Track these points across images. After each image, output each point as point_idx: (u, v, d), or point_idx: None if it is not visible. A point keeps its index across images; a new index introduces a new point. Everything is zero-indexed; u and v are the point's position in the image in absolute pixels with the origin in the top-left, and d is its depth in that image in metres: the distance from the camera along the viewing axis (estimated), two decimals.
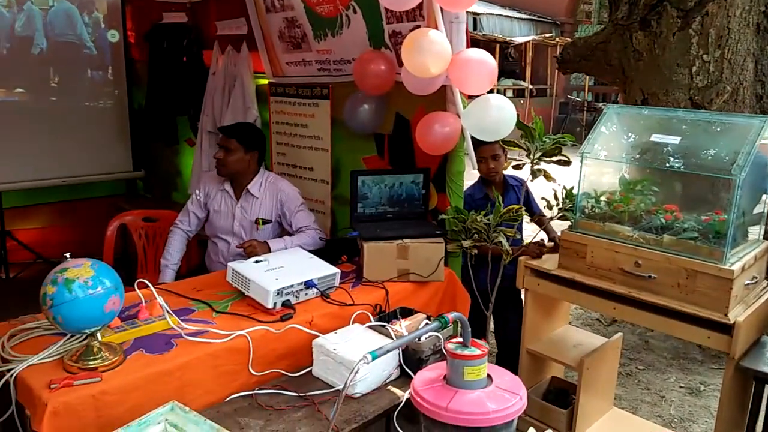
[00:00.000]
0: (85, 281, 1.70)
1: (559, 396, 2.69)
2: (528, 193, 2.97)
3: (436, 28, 2.46)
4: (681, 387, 3.52)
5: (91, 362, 1.79)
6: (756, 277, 2.21)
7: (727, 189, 2.06)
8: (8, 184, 4.52)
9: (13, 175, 4.51)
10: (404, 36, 2.57)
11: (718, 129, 2.32)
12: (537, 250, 2.62)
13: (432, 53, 2.38)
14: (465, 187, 2.89)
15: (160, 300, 2.13)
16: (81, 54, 4.83)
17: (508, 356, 2.92)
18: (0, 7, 4.39)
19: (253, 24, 3.60)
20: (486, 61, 2.51)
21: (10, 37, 4.44)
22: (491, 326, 2.96)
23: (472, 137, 2.72)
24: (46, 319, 1.82)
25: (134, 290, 2.16)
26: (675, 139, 2.26)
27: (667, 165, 2.24)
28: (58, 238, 4.91)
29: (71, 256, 1.79)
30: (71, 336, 1.91)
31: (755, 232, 2.32)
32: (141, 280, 2.18)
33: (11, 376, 1.75)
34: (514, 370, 2.39)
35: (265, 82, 3.79)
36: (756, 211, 2.31)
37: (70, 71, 4.80)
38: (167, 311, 2.11)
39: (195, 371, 1.92)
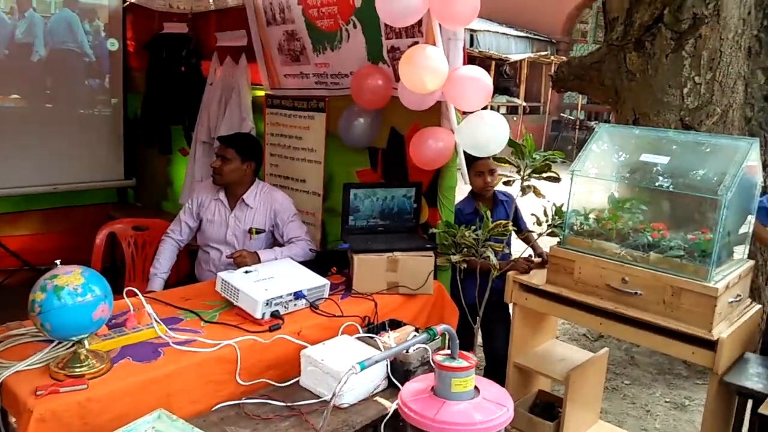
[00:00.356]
0: (74, 288, 1.70)
1: (546, 409, 2.71)
2: (516, 210, 2.99)
3: (434, 44, 2.49)
4: (666, 401, 3.54)
5: (77, 369, 1.78)
6: (740, 295, 2.24)
7: (713, 209, 2.09)
8: None
9: (2, 181, 4.46)
10: (402, 51, 2.60)
11: (707, 150, 2.36)
12: (525, 265, 2.64)
13: (429, 69, 2.41)
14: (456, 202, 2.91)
15: (148, 308, 2.12)
16: (80, 62, 4.82)
17: (495, 370, 2.93)
18: (1, 13, 4.40)
19: (253, 36, 3.63)
20: (481, 79, 2.54)
21: (9, 44, 4.44)
22: (479, 339, 2.97)
23: (466, 153, 2.75)
24: (33, 325, 1.81)
25: (122, 298, 2.16)
26: (664, 159, 2.30)
27: (656, 184, 2.27)
28: (47, 245, 4.84)
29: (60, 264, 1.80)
30: (58, 343, 1.90)
31: (740, 251, 2.35)
32: (130, 288, 2.18)
33: None
34: (501, 383, 2.39)
35: (262, 93, 3.81)
36: (741, 231, 2.35)
37: (67, 79, 4.79)
38: (155, 320, 2.11)
39: (182, 380, 1.92)
